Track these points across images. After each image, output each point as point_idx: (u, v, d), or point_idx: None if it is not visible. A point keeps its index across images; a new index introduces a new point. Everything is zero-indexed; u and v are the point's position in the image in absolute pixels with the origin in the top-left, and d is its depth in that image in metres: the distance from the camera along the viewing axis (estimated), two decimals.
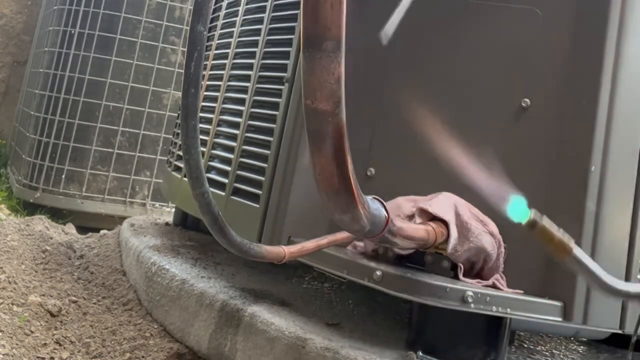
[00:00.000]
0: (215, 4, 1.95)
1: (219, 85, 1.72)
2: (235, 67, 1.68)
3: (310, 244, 1.10)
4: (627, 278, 1.13)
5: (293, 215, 1.31)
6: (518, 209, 0.67)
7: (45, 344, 1.36)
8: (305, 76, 0.54)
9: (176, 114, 2.94)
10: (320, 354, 1.08)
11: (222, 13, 1.87)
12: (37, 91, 3.33)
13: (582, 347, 1.42)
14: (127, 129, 3.14)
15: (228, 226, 0.97)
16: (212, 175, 1.59)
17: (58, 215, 2.98)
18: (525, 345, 1.35)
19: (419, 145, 1.27)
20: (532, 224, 0.64)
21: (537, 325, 1.23)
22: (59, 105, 3.13)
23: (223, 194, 1.51)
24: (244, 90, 1.58)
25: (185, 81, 0.91)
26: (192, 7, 0.95)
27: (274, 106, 1.42)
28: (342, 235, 1.14)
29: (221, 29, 1.84)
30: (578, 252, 0.64)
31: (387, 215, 0.79)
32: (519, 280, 1.13)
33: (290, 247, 1.07)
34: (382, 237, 0.82)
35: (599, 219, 1.11)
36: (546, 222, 0.64)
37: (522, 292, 1.11)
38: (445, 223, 1.07)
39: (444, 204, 1.10)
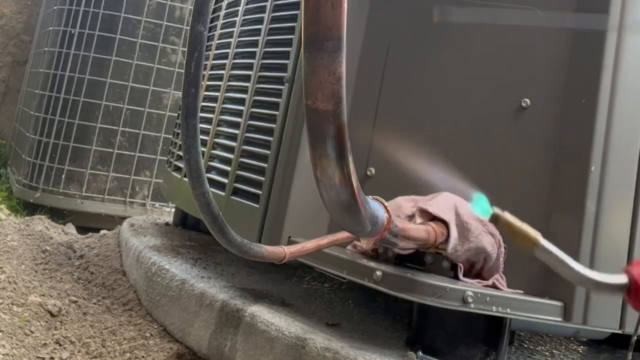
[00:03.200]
0: (215, 4, 1.95)
1: (219, 85, 1.72)
2: (235, 67, 1.68)
3: (310, 244, 1.10)
4: None
5: (293, 215, 1.31)
6: (481, 205, 0.68)
7: (45, 344, 1.36)
8: (306, 76, 0.54)
9: (176, 114, 2.94)
10: (320, 354, 1.08)
11: (222, 13, 1.87)
12: (37, 91, 3.33)
13: (582, 347, 1.42)
14: (127, 129, 3.14)
15: (228, 226, 0.97)
16: (212, 175, 1.59)
17: (58, 215, 2.98)
18: (525, 345, 1.35)
19: (419, 145, 1.27)
20: (495, 219, 0.66)
21: (537, 325, 1.23)
22: (59, 105, 3.13)
23: (223, 194, 1.51)
24: (244, 90, 1.58)
25: (186, 81, 0.91)
26: (192, 7, 0.95)
27: (274, 106, 1.42)
28: (343, 235, 1.14)
29: (221, 29, 1.84)
30: (544, 242, 0.65)
31: (387, 215, 0.79)
32: (519, 280, 1.13)
33: (290, 247, 1.07)
34: (383, 238, 0.82)
35: (599, 219, 1.11)
36: (508, 217, 0.65)
37: (522, 292, 1.11)
38: (445, 223, 1.07)
39: (444, 204, 1.10)
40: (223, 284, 1.43)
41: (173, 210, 2.33)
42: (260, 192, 1.38)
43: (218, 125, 1.67)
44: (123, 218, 2.45)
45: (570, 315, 1.09)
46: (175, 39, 3.21)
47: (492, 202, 1.17)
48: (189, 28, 1.10)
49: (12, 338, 1.32)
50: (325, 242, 1.13)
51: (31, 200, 3.09)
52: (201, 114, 1.78)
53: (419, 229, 1.01)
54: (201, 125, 1.75)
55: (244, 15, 1.70)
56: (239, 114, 1.57)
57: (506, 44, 1.25)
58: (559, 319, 1.09)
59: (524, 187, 1.18)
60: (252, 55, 1.59)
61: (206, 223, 0.96)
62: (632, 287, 0.60)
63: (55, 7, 3.38)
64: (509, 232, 0.67)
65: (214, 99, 1.73)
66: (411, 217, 1.11)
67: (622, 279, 0.62)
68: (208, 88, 1.81)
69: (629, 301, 0.61)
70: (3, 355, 1.23)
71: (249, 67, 1.58)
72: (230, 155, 1.54)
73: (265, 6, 1.58)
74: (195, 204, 0.96)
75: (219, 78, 1.74)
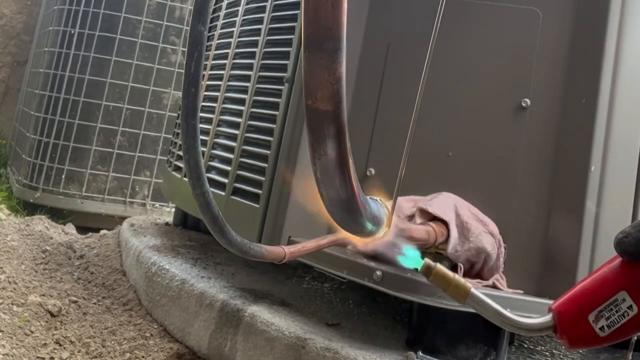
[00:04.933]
0: (215, 4, 1.95)
1: (219, 85, 1.72)
2: (235, 67, 1.68)
3: (310, 244, 1.10)
4: None
5: (293, 215, 1.31)
6: (411, 258, 0.69)
7: (45, 344, 1.36)
8: (306, 76, 0.54)
9: (176, 114, 2.94)
10: (320, 354, 1.08)
11: (222, 13, 1.87)
12: (37, 91, 3.33)
13: None
14: (127, 129, 3.14)
15: (228, 226, 0.97)
16: (212, 175, 1.59)
17: (58, 215, 2.98)
18: (525, 345, 1.35)
19: (418, 145, 1.27)
20: (427, 271, 0.67)
21: None
22: (59, 105, 3.13)
23: (223, 194, 1.51)
24: (244, 90, 1.58)
25: (186, 81, 0.91)
26: (192, 7, 0.95)
27: (274, 106, 1.42)
28: (343, 235, 1.14)
29: (221, 29, 1.84)
30: (475, 292, 0.67)
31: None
32: (519, 280, 1.13)
33: (291, 247, 1.07)
34: None
35: (599, 219, 1.11)
36: (441, 268, 0.67)
37: (522, 292, 1.11)
38: (445, 223, 1.08)
39: (444, 204, 1.10)
40: (223, 284, 1.43)
41: (173, 210, 2.33)
42: (260, 192, 1.38)
43: (218, 125, 1.67)
44: (123, 218, 2.45)
45: None
46: (175, 39, 3.22)
47: (493, 202, 1.17)
48: (189, 28, 1.10)
49: (12, 338, 1.32)
50: (325, 242, 1.12)
51: (31, 200, 3.09)
52: (201, 114, 1.78)
53: (419, 229, 1.01)
54: (201, 125, 1.75)
55: (244, 15, 1.70)
56: (239, 114, 1.57)
57: (506, 44, 1.25)
58: None
59: (524, 187, 1.18)
60: (252, 55, 1.59)
61: (206, 223, 0.96)
62: (557, 325, 0.62)
63: (55, 7, 3.38)
64: (442, 283, 0.67)
65: (214, 99, 1.73)
66: (411, 217, 1.11)
67: (548, 319, 0.63)
68: (208, 88, 1.81)
69: (559, 339, 0.63)
70: (3, 355, 1.23)
71: (249, 67, 1.58)
72: (230, 155, 1.54)
73: (265, 6, 1.58)
74: (195, 204, 0.96)
75: (219, 78, 1.74)
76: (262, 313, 1.23)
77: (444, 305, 1.01)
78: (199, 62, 0.90)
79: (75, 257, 1.98)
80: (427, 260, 0.67)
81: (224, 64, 1.73)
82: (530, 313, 1.07)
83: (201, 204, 0.93)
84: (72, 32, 3.17)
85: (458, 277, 0.67)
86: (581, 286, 0.62)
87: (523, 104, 1.20)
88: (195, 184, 0.92)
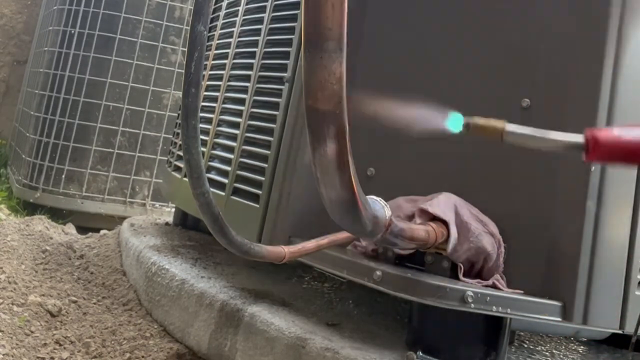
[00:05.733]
0: (215, 4, 1.95)
1: (219, 85, 1.72)
2: (235, 67, 1.68)
3: (310, 244, 1.10)
4: (627, 278, 1.13)
5: (293, 215, 1.31)
6: (454, 121, 0.74)
7: (45, 344, 1.36)
8: (306, 76, 0.54)
9: (176, 114, 2.94)
10: (320, 354, 1.08)
11: (222, 13, 1.87)
12: (37, 91, 3.33)
13: (582, 347, 1.42)
14: (127, 129, 3.14)
15: (228, 226, 0.97)
16: (212, 175, 1.59)
17: (58, 215, 2.98)
18: (525, 345, 1.35)
19: (418, 145, 1.27)
20: (467, 126, 0.72)
21: (537, 325, 1.23)
22: (59, 105, 3.13)
23: (223, 194, 1.51)
24: (244, 90, 1.58)
25: (186, 81, 0.91)
26: (192, 7, 0.95)
27: (274, 106, 1.42)
28: (343, 235, 1.14)
29: (221, 29, 1.84)
30: (511, 126, 0.72)
31: (388, 216, 0.79)
32: (519, 280, 1.13)
33: (291, 247, 1.07)
34: (383, 238, 0.82)
35: (599, 219, 1.11)
36: (477, 119, 0.73)
37: (522, 292, 1.11)
38: (445, 223, 1.07)
39: (444, 204, 1.10)
40: (223, 284, 1.43)
41: (173, 210, 2.33)
42: (260, 192, 1.38)
43: (218, 125, 1.67)
44: (123, 218, 2.45)
45: (571, 315, 1.09)
46: (175, 39, 3.22)
47: (493, 203, 1.17)
48: (189, 28, 1.10)
49: (12, 338, 1.32)
50: (325, 242, 1.13)
51: (31, 200, 3.09)
52: (201, 114, 1.78)
53: (419, 229, 1.01)
54: (201, 125, 1.75)
55: (244, 15, 1.70)
56: (239, 114, 1.57)
57: (506, 44, 1.25)
58: (559, 319, 1.09)
59: (524, 187, 1.18)
60: (252, 55, 1.59)
61: (206, 223, 0.96)
62: (587, 143, 0.67)
63: (55, 7, 3.38)
64: (481, 132, 0.72)
65: (214, 99, 1.73)
66: (411, 217, 1.11)
67: (580, 138, 0.68)
68: (208, 88, 1.81)
69: (587, 158, 0.68)
70: (3, 355, 1.23)
71: (249, 67, 1.58)
72: (231, 155, 1.54)
73: (265, 6, 1.58)
74: (195, 203, 0.96)
75: (219, 78, 1.74)
76: (262, 313, 1.23)
77: (444, 305, 1.01)
78: (199, 62, 0.90)
79: (75, 257, 1.98)
80: (466, 119, 0.71)
81: (224, 64, 1.73)
82: (530, 313, 1.07)
83: (201, 203, 0.93)
84: (72, 32, 3.17)
85: (492, 120, 0.72)
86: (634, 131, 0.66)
87: (523, 104, 1.20)
88: (196, 184, 0.92)
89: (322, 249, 1.12)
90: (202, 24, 0.90)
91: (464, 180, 1.23)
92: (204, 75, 1.84)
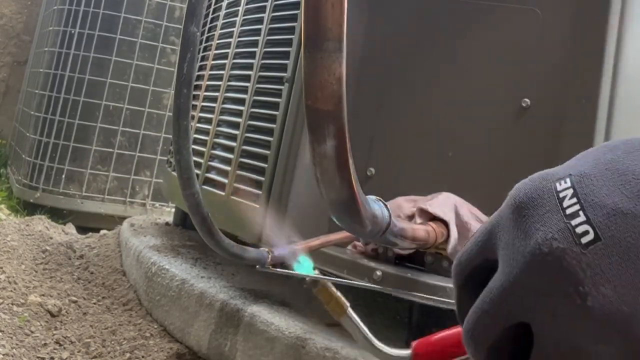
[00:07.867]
0: (215, 4, 1.95)
1: (219, 85, 1.72)
2: (235, 67, 1.68)
3: (313, 242, 1.10)
4: None
5: (293, 216, 1.31)
6: (305, 266, 0.77)
7: (45, 344, 1.36)
8: (306, 76, 0.54)
9: None
10: (320, 354, 1.08)
11: (222, 13, 1.87)
12: (37, 91, 3.33)
13: None
14: (127, 129, 3.14)
15: (216, 227, 0.98)
16: (212, 175, 1.59)
17: (58, 215, 2.97)
18: None
19: (418, 145, 1.27)
20: (315, 283, 0.74)
21: None
22: (59, 105, 3.13)
23: (223, 194, 1.51)
24: (244, 90, 1.58)
25: (178, 82, 0.91)
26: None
27: (274, 106, 1.42)
28: (342, 235, 1.14)
29: (221, 28, 1.84)
30: (351, 312, 0.73)
31: (388, 216, 0.79)
32: None
33: (275, 252, 1.06)
34: (383, 238, 0.82)
35: None
36: (325, 283, 0.74)
37: None
38: (445, 223, 1.07)
39: (444, 204, 1.10)
40: (223, 284, 1.43)
41: (173, 210, 2.33)
42: (260, 192, 1.38)
43: (218, 125, 1.67)
44: (123, 218, 2.45)
45: None
46: (175, 39, 3.21)
47: (493, 203, 1.17)
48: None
49: (12, 338, 1.32)
50: (322, 242, 1.12)
51: (31, 200, 3.09)
52: (201, 114, 1.78)
53: (419, 229, 1.01)
54: (201, 125, 1.75)
55: (244, 15, 1.70)
56: (239, 114, 1.57)
57: (506, 44, 1.25)
58: None
59: None
60: (252, 55, 1.59)
61: (195, 223, 0.96)
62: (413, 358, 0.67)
63: (55, 7, 3.38)
64: (324, 296, 0.74)
65: (214, 99, 1.73)
66: (411, 217, 1.11)
67: (407, 352, 0.68)
68: (208, 88, 1.81)
69: None
70: (3, 355, 1.23)
71: (249, 67, 1.58)
72: (230, 156, 1.54)
73: (265, 6, 1.58)
74: (185, 204, 0.96)
75: (219, 78, 1.74)
76: (262, 313, 1.23)
77: (444, 305, 1.01)
78: (191, 63, 0.90)
79: (75, 257, 1.98)
80: (317, 274, 0.73)
81: (224, 64, 1.73)
82: None
83: (191, 204, 0.93)
84: (72, 32, 3.17)
85: (340, 295, 0.73)
86: (445, 333, 0.65)
87: (523, 104, 1.20)
88: (186, 185, 0.92)
89: (316, 249, 1.12)
90: (195, 25, 0.89)
91: (463, 180, 1.23)
92: (204, 76, 1.84)
